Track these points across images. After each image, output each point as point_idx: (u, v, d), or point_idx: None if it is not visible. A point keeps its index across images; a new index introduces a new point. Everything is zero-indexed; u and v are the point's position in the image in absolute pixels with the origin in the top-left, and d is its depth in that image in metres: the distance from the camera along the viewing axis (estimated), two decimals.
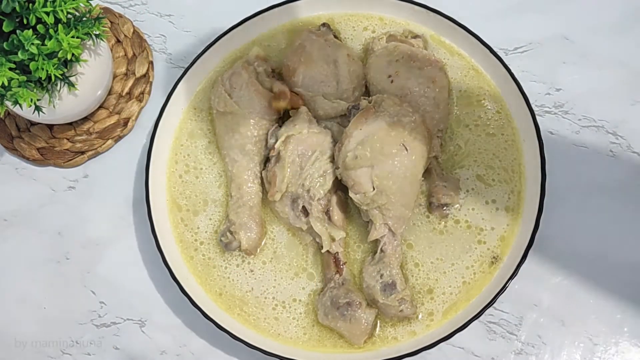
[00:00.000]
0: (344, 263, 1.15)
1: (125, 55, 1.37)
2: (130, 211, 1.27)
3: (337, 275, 1.14)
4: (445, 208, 1.18)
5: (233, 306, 1.17)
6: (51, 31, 1.06)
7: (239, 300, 1.17)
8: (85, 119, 1.32)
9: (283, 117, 1.22)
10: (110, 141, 1.31)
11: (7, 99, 1.07)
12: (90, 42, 1.17)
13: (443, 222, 1.19)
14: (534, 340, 1.16)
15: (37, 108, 1.13)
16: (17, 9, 1.03)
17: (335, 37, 1.28)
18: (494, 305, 1.13)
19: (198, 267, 1.20)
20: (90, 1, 1.10)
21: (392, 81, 1.19)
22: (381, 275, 1.11)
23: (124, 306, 1.22)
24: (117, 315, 1.21)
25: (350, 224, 1.20)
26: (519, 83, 1.22)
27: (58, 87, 1.15)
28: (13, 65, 1.04)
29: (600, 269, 1.19)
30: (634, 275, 1.19)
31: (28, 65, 1.06)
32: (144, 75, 1.36)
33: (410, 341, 1.13)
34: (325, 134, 1.18)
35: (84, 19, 1.12)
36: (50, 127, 1.33)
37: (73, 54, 1.09)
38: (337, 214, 1.16)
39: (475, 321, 1.10)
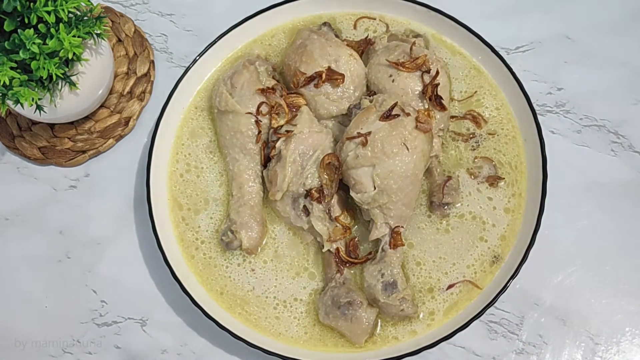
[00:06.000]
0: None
1: (127, 54, 1.37)
2: (131, 210, 1.27)
3: (338, 275, 1.14)
4: (446, 207, 1.18)
5: (234, 305, 1.17)
6: (52, 30, 1.06)
7: (240, 299, 1.18)
8: (87, 118, 1.32)
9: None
10: (111, 140, 1.32)
11: (8, 98, 1.07)
12: (92, 41, 1.17)
13: (445, 221, 1.19)
14: (535, 340, 1.16)
15: (39, 107, 1.14)
16: (19, 8, 1.03)
17: (337, 36, 1.28)
18: (495, 304, 1.13)
19: (199, 266, 1.20)
20: (91, 0, 1.10)
21: (393, 80, 1.19)
22: (382, 275, 1.11)
23: (125, 305, 1.22)
24: (118, 314, 1.22)
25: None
26: (520, 82, 1.22)
27: (59, 87, 1.15)
28: (14, 65, 1.04)
29: (601, 269, 1.19)
30: (635, 275, 1.19)
31: (29, 65, 1.06)
32: (145, 75, 1.36)
33: (411, 340, 1.13)
34: (326, 133, 1.18)
35: (85, 18, 1.12)
36: (52, 126, 1.33)
37: (74, 53, 1.09)
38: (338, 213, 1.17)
39: (476, 320, 1.10)
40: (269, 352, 1.10)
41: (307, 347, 1.14)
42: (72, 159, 1.30)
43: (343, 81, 1.19)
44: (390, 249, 1.12)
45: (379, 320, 1.14)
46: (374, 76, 1.22)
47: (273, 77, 1.24)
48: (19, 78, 1.06)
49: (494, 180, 1.20)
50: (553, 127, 1.28)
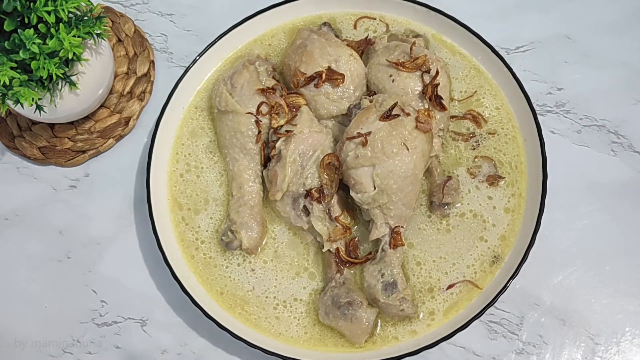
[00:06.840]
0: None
1: (127, 54, 1.37)
2: (131, 210, 1.27)
3: (338, 275, 1.14)
4: (446, 207, 1.18)
5: (234, 305, 1.17)
6: (52, 30, 1.06)
7: (240, 299, 1.18)
8: (87, 118, 1.32)
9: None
10: (111, 140, 1.32)
11: (8, 98, 1.07)
12: (92, 41, 1.17)
13: (445, 221, 1.19)
14: (535, 340, 1.16)
15: (39, 107, 1.14)
16: (19, 8, 1.03)
17: (337, 36, 1.28)
18: (495, 304, 1.13)
19: (199, 266, 1.20)
20: (91, 0, 1.10)
21: (393, 80, 1.19)
22: (382, 275, 1.11)
23: (125, 305, 1.22)
24: (118, 314, 1.22)
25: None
26: (520, 82, 1.22)
27: (59, 86, 1.15)
28: (14, 65, 1.04)
29: (601, 269, 1.19)
30: (635, 275, 1.19)
31: (29, 65, 1.06)
32: (145, 75, 1.36)
33: (411, 340, 1.13)
34: (326, 133, 1.18)
35: (85, 18, 1.12)
36: (52, 126, 1.33)
37: (74, 53, 1.09)
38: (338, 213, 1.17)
39: (476, 320, 1.10)
40: (269, 352, 1.10)
41: (307, 347, 1.14)
42: (72, 159, 1.30)
43: (343, 81, 1.19)
44: (390, 249, 1.13)
45: (379, 320, 1.14)
46: (374, 76, 1.22)
47: (273, 77, 1.24)
48: (19, 78, 1.06)
49: (494, 180, 1.20)
50: (553, 127, 1.28)
